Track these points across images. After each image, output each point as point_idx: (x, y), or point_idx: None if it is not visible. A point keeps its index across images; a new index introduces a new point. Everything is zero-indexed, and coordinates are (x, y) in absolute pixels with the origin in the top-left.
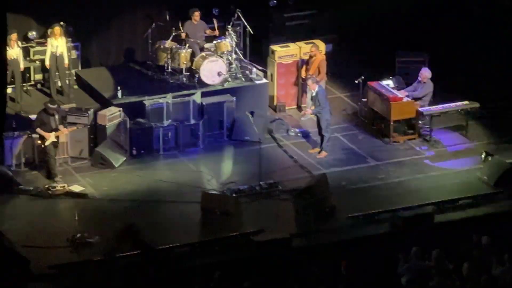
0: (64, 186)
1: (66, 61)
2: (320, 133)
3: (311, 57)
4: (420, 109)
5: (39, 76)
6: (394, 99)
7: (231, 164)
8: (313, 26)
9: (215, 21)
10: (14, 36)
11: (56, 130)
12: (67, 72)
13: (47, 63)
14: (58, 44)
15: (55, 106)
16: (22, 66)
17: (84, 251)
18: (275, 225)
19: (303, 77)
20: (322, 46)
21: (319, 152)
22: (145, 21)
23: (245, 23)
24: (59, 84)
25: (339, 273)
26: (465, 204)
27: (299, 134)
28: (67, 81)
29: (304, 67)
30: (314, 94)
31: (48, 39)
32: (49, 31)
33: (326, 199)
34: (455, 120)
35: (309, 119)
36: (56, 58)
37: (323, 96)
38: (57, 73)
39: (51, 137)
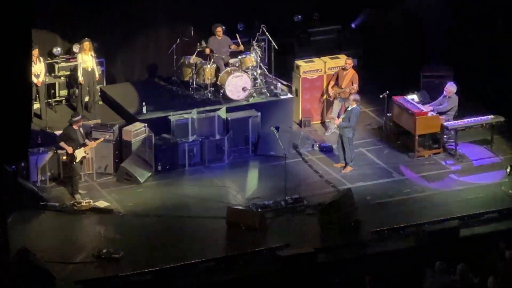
0: (89, 202)
1: (97, 76)
2: (343, 148)
3: (343, 69)
4: (445, 123)
5: (64, 92)
6: (419, 114)
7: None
8: (338, 41)
9: (238, 36)
10: (36, 52)
11: (84, 145)
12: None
13: (80, 79)
14: (89, 59)
15: (79, 117)
16: (40, 80)
17: (109, 266)
18: (300, 240)
19: (330, 92)
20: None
21: (344, 167)
22: (170, 37)
23: (270, 38)
24: (86, 99)
25: (364, 287)
26: (490, 218)
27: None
28: (95, 97)
29: (330, 83)
30: (349, 109)
31: (79, 55)
32: (75, 46)
33: (351, 213)
34: (480, 134)
35: (332, 134)
36: (88, 73)
37: (355, 116)
38: (87, 89)
39: (80, 153)
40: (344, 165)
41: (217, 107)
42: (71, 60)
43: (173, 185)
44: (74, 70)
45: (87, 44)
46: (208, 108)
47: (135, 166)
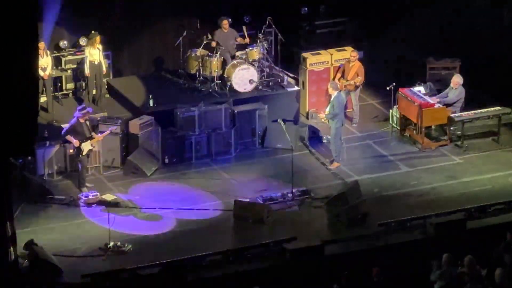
0: (96, 195)
1: (104, 69)
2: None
3: (349, 62)
4: (451, 115)
5: (70, 85)
6: (425, 106)
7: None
8: (344, 33)
9: (244, 28)
10: (41, 45)
11: (91, 138)
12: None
13: (87, 71)
14: (96, 53)
15: (85, 110)
16: (47, 73)
17: (117, 260)
18: (307, 232)
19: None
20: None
21: (331, 163)
22: (176, 30)
23: (276, 31)
24: (94, 92)
25: (371, 280)
26: (497, 210)
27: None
28: (102, 90)
29: (337, 75)
30: (332, 98)
31: (86, 48)
32: (81, 40)
33: (358, 206)
34: (487, 126)
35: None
36: (94, 66)
37: (338, 103)
38: (93, 82)
39: (87, 146)
40: (339, 164)
41: (224, 99)
42: (77, 53)
43: (180, 178)
44: (80, 63)
45: (98, 38)
46: (215, 100)
47: (142, 159)
